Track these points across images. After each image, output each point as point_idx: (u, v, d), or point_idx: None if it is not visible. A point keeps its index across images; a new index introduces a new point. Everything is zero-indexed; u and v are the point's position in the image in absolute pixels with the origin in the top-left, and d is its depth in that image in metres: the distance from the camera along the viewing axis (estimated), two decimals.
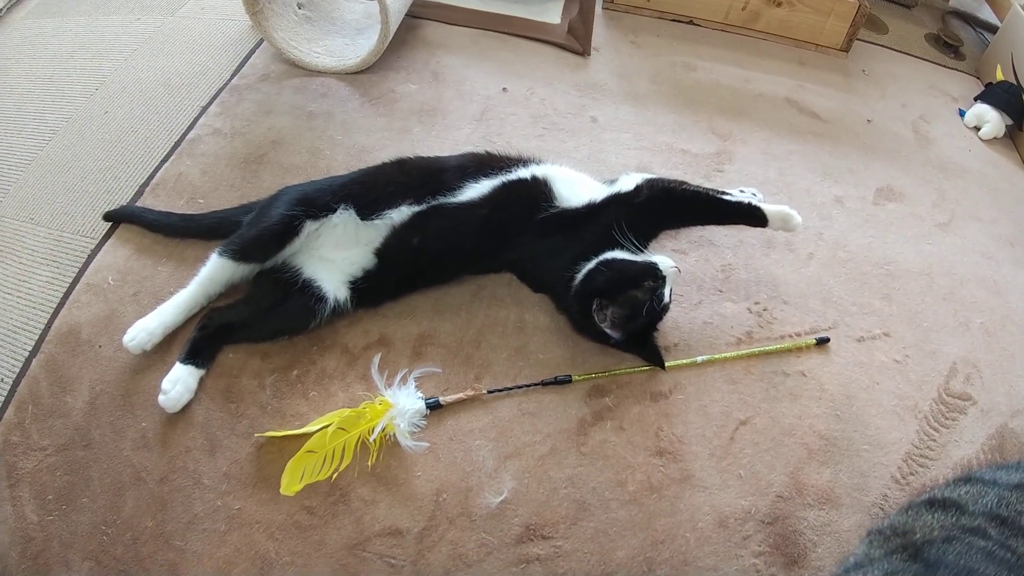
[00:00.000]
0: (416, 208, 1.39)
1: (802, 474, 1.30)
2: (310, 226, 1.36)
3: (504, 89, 2.01)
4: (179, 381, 1.26)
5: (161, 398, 1.25)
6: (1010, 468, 0.92)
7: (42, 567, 1.13)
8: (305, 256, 1.38)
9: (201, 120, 1.79)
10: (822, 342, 1.50)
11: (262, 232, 1.34)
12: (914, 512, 0.85)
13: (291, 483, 1.19)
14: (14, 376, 1.33)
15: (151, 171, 1.67)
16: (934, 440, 1.40)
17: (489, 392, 1.33)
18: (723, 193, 1.53)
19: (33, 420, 1.27)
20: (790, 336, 1.51)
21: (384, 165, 1.47)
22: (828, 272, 1.66)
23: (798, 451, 1.33)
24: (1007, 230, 1.91)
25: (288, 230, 1.34)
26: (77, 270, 1.48)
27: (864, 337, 1.55)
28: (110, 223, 1.55)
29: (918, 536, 0.79)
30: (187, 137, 1.74)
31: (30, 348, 1.36)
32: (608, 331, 1.33)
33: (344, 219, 1.38)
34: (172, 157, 1.69)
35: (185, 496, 1.20)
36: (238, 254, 1.34)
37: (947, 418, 1.44)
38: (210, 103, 1.84)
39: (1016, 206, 2.00)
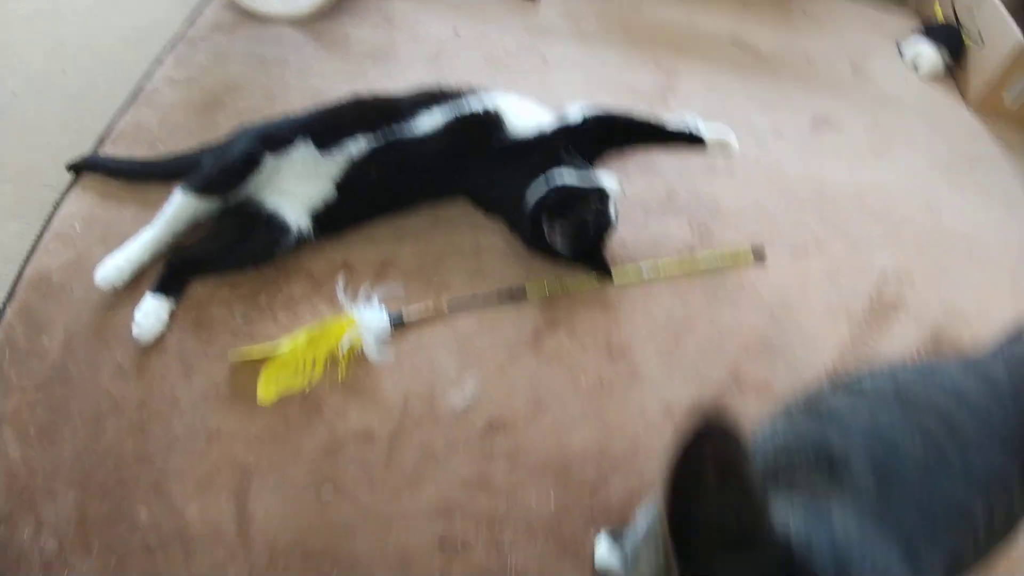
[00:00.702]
0: (373, 141, 1.45)
1: (741, 369, 1.42)
2: (270, 160, 1.41)
3: (456, 32, 2.06)
4: (151, 313, 1.32)
5: (134, 330, 1.31)
6: (909, 365, 1.02)
7: (27, 501, 1.18)
8: (267, 190, 1.44)
9: (158, 72, 1.82)
10: (759, 255, 1.61)
11: (224, 166, 1.40)
12: (819, 392, 0.96)
13: (266, 391, 1.27)
14: None
15: (110, 122, 1.70)
16: (865, 341, 1.52)
17: (449, 308, 1.42)
18: (665, 120, 1.62)
19: (11, 364, 1.31)
20: (730, 256, 1.60)
21: (341, 101, 1.53)
22: (766, 194, 1.77)
23: (737, 350, 1.44)
24: (941, 157, 2.03)
25: (249, 163, 1.39)
26: (44, 221, 1.51)
27: (798, 250, 1.66)
28: (74, 173, 1.58)
29: (824, 407, 0.90)
30: (144, 88, 1.77)
31: (3, 298, 1.40)
32: (558, 247, 1.42)
33: (303, 153, 1.43)
34: (131, 108, 1.72)
35: (164, 419, 1.26)
36: (201, 189, 1.39)
37: (879, 321, 1.56)
38: (166, 55, 1.87)
39: (950, 135, 2.13)
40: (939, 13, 2.45)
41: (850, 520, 0.63)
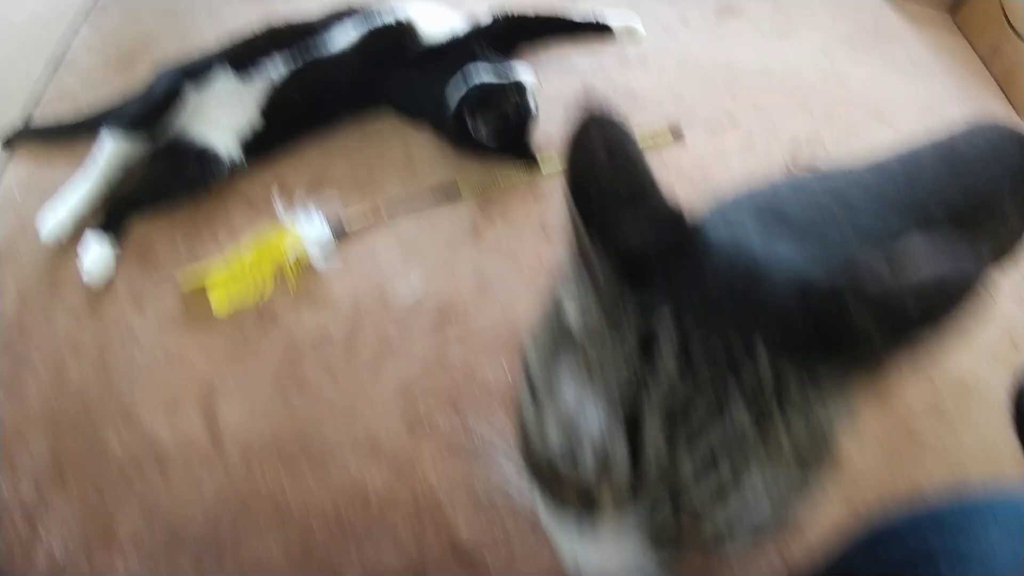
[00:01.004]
0: (291, 63, 1.48)
1: None
2: (192, 92, 1.43)
3: None
4: (97, 256, 1.34)
5: (84, 275, 1.34)
6: None
7: (3, 458, 1.20)
8: (194, 126, 1.46)
9: (75, 42, 1.82)
10: (677, 136, 1.68)
11: (147, 102, 1.42)
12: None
13: (220, 305, 1.30)
14: None
15: (37, 96, 1.70)
16: None
17: (388, 214, 1.46)
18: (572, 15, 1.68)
19: None
20: (649, 135, 1.68)
21: (256, 31, 1.55)
22: (678, 81, 1.83)
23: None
24: (847, 33, 2.10)
25: (171, 96, 1.41)
26: None
27: (715, 128, 1.73)
28: (8, 148, 1.58)
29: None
30: (65, 58, 1.77)
31: None
32: (484, 140, 1.47)
33: (223, 82, 1.46)
34: (53, 79, 1.72)
35: (125, 353, 1.29)
36: (127, 127, 1.41)
37: None
38: (80, 24, 1.87)
39: (855, 12, 2.20)
40: None
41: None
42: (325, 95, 1.51)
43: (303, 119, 1.53)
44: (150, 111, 1.41)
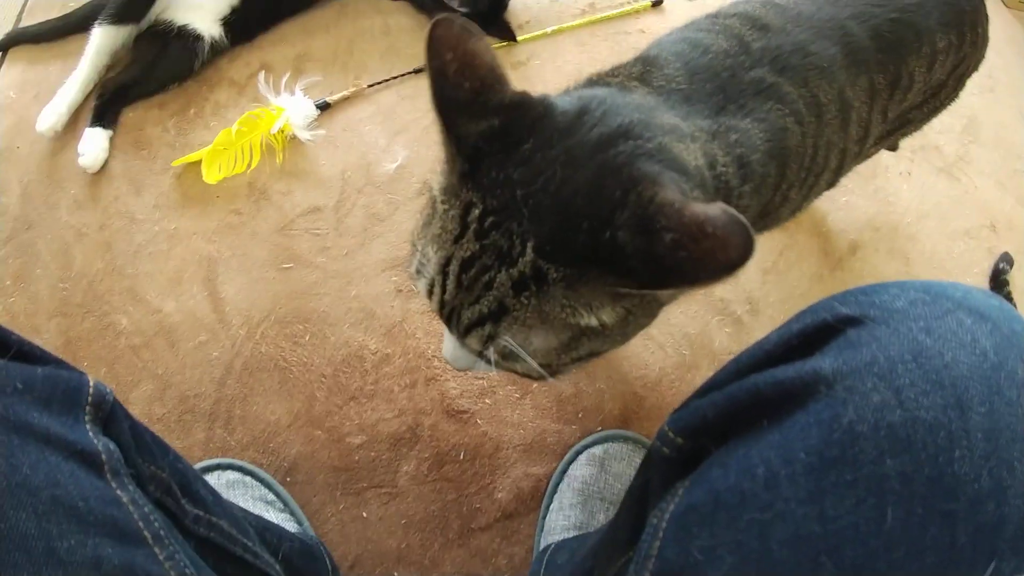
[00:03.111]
0: None
1: None
2: None
3: None
4: (92, 143, 1.33)
5: (80, 160, 1.32)
6: None
7: None
8: (175, 8, 1.41)
9: None
10: (657, 3, 1.58)
11: None
12: None
13: (210, 173, 1.29)
14: None
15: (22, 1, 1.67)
16: None
17: (369, 86, 1.42)
18: None
19: None
20: (628, 2, 1.59)
21: None
22: None
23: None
24: None
25: None
26: None
27: None
28: (2, 53, 1.55)
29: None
30: None
31: None
32: (459, 9, 1.40)
33: None
34: None
35: (125, 234, 1.29)
36: (115, 17, 1.37)
37: None
38: None
39: None
40: None
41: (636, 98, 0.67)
42: None
43: None
44: (134, 1, 1.37)
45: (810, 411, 0.44)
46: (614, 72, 0.73)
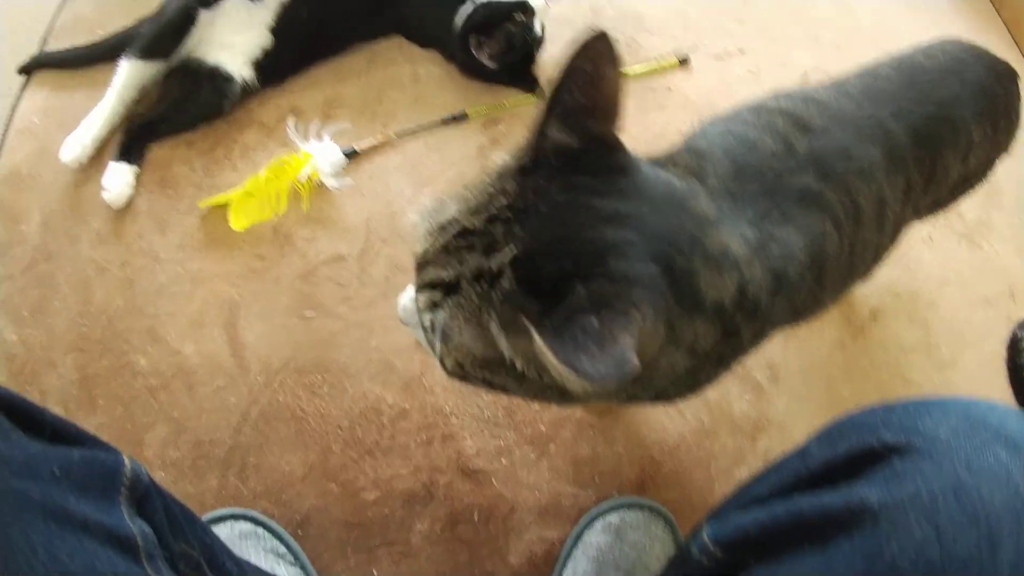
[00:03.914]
0: None
1: None
2: (205, 15, 1.41)
3: None
4: (118, 178, 1.35)
5: (105, 195, 1.34)
6: None
7: (29, 376, 1.23)
8: (206, 46, 1.44)
9: None
10: (684, 62, 1.62)
11: (162, 27, 1.40)
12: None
13: (238, 220, 1.31)
14: None
15: (48, 21, 1.69)
16: None
17: (397, 136, 1.45)
18: None
19: None
20: (655, 59, 1.62)
21: None
22: (686, 3, 1.76)
23: (667, 148, 1.48)
24: None
25: (185, 20, 1.39)
26: (4, 125, 1.50)
27: (722, 55, 1.67)
28: (26, 75, 1.57)
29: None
30: None
31: None
32: (488, 64, 1.44)
33: (235, 3, 1.43)
34: (65, 4, 1.70)
35: (148, 272, 1.31)
36: (144, 52, 1.40)
37: None
38: None
39: None
40: None
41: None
42: (334, 14, 1.48)
43: (313, 40, 1.50)
44: (165, 37, 1.40)
45: (855, 541, 0.47)
46: (673, 160, 0.76)
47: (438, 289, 0.63)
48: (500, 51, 1.42)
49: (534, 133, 0.62)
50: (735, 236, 0.67)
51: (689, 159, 0.76)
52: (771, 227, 0.71)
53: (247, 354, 1.24)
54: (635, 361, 0.50)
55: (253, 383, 1.22)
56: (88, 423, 1.19)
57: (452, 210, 0.64)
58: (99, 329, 1.27)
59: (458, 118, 1.48)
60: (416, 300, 0.67)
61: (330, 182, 1.36)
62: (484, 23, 1.42)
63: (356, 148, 1.41)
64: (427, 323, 0.65)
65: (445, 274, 0.62)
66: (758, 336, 0.76)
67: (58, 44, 1.61)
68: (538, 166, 0.62)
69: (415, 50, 1.59)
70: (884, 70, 0.94)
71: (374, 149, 1.44)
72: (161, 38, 1.40)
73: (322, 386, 1.22)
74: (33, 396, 1.20)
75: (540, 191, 0.61)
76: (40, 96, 1.54)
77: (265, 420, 1.19)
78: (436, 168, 1.43)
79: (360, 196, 1.38)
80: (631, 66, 1.59)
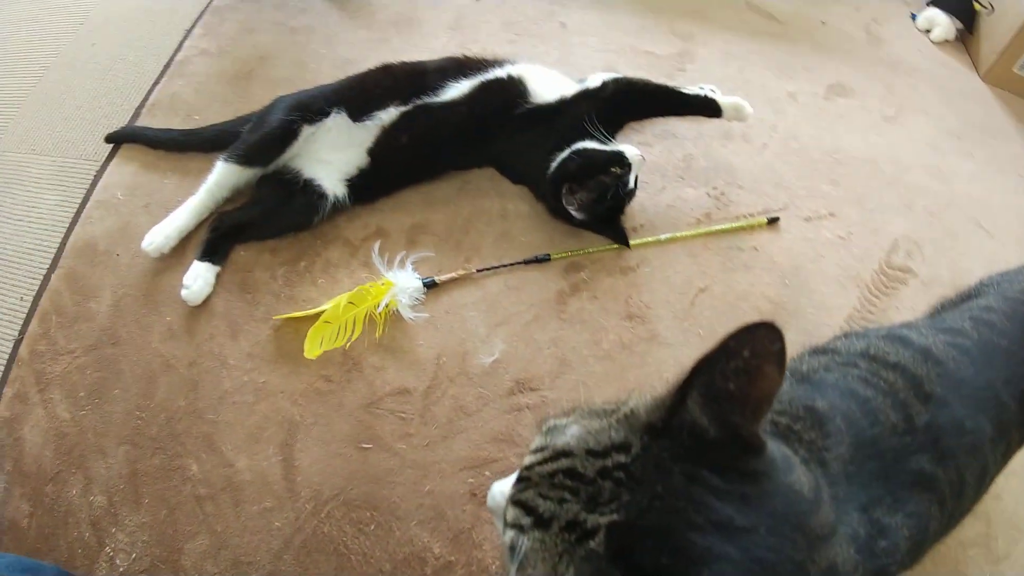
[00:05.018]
0: (403, 108, 1.52)
1: None
2: (307, 130, 1.48)
3: None
4: (199, 276, 1.40)
5: (183, 292, 1.39)
6: (881, 328, 1.06)
7: (77, 459, 1.26)
8: (304, 159, 1.51)
9: (187, 42, 1.87)
10: (773, 221, 1.67)
11: (263, 137, 1.47)
12: (798, 357, 1.00)
13: (312, 348, 1.36)
14: (34, 293, 1.44)
15: (145, 93, 1.76)
16: (875, 306, 1.58)
17: (478, 271, 1.50)
18: (682, 88, 1.68)
19: (58, 328, 1.39)
20: (744, 216, 1.68)
21: (371, 71, 1.59)
22: (780, 160, 1.82)
23: (751, 313, 1.51)
24: (953, 124, 2.06)
25: (287, 134, 1.46)
26: (85, 190, 1.58)
27: (812, 217, 1.72)
28: (112, 144, 1.64)
29: (803, 368, 0.96)
30: (175, 59, 1.83)
31: (47, 266, 1.48)
32: (577, 213, 1.49)
33: (337, 122, 1.50)
34: (163, 79, 1.78)
35: (214, 376, 1.35)
36: (242, 159, 1.46)
37: (888, 287, 1.62)
38: (193, 25, 1.92)
39: (963, 103, 2.16)
40: None
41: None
42: (432, 142, 1.55)
43: (408, 164, 1.57)
44: (265, 149, 1.47)
45: None
46: (790, 429, 0.77)
47: (530, 516, 0.64)
48: (591, 202, 1.48)
49: (672, 397, 0.61)
50: (843, 546, 0.68)
51: (811, 428, 0.77)
52: (881, 516, 0.73)
53: (299, 478, 1.27)
54: None
55: (301, 510, 1.24)
56: (131, 520, 1.22)
57: (571, 438, 0.64)
58: (156, 426, 1.31)
59: (541, 260, 1.53)
60: (506, 509, 0.68)
61: (407, 314, 1.41)
62: (578, 172, 1.47)
63: (436, 279, 1.46)
64: (508, 539, 0.66)
65: (542, 507, 0.63)
66: None
67: (151, 120, 1.70)
68: (667, 431, 0.62)
69: (506, 184, 1.65)
70: (998, 318, 0.97)
71: (453, 282, 1.49)
72: (261, 148, 1.47)
73: (370, 524, 1.24)
74: (78, 481, 1.25)
75: (661, 467, 0.61)
76: (127, 171, 1.61)
77: (307, 551, 1.21)
78: (513, 309, 1.47)
79: (434, 329, 1.43)
80: (719, 222, 1.64)
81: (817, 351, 0.96)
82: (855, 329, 1.10)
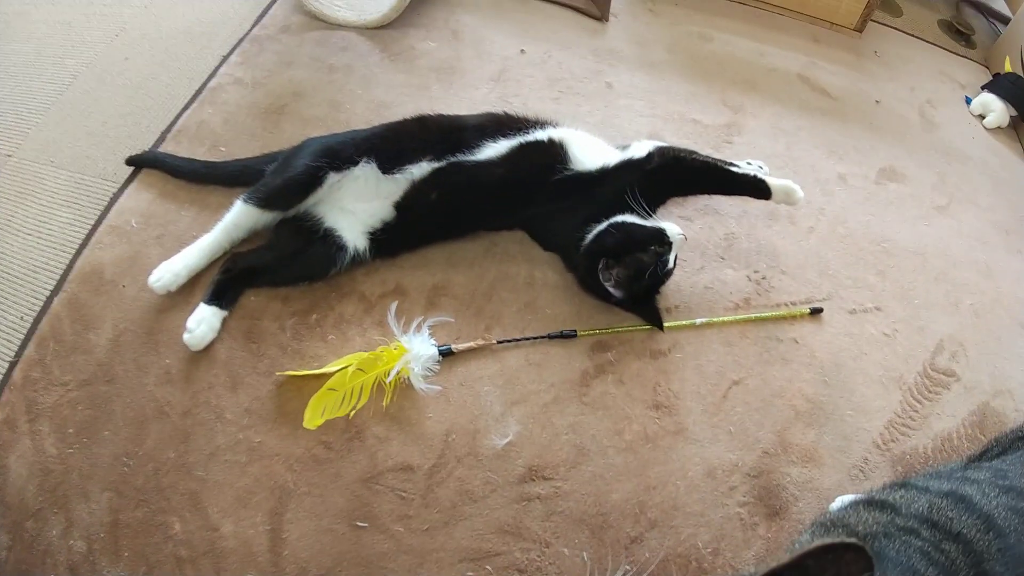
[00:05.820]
0: (436, 164, 1.46)
1: (788, 433, 1.41)
2: (333, 177, 1.43)
3: (522, 51, 2.07)
4: (203, 321, 1.34)
5: (186, 336, 1.33)
6: (941, 476, 1.00)
7: (60, 499, 1.21)
8: (326, 206, 1.46)
9: (222, 69, 1.85)
10: (816, 312, 1.60)
11: (287, 181, 1.42)
12: (852, 509, 0.94)
13: (313, 417, 1.29)
14: (35, 314, 1.39)
15: (172, 118, 1.72)
16: (916, 411, 1.50)
17: (498, 342, 1.43)
18: (730, 164, 1.61)
19: (54, 356, 1.34)
20: (786, 304, 1.60)
21: (406, 121, 1.54)
22: (826, 246, 1.75)
23: (786, 412, 1.44)
24: (1004, 217, 2.00)
25: (312, 180, 1.41)
26: (99, 212, 1.54)
27: (856, 310, 1.64)
28: (132, 168, 1.60)
29: (860, 529, 0.89)
30: (208, 85, 1.80)
31: (51, 287, 1.43)
32: (612, 290, 1.42)
33: (366, 172, 1.45)
34: (193, 105, 1.75)
35: (207, 429, 1.29)
36: (263, 202, 1.42)
37: (931, 391, 1.54)
38: (231, 52, 1.89)
39: (1015, 195, 2.09)
40: (1008, 65, 2.42)
41: None
42: (463, 200, 1.49)
43: (436, 221, 1.51)
44: (287, 193, 1.42)
45: None
46: None
47: None
48: (627, 279, 1.41)
49: None
50: None
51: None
52: None
53: (286, 552, 1.19)
54: None
55: None
56: (109, 572, 1.16)
57: None
58: (142, 476, 1.24)
59: (566, 335, 1.46)
60: None
61: (418, 384, 1.34)
62: (616, 247, 1.41)
63: (453, 348, 1.39)
64: None
65: None
66: None
67: (176, 146, 1.66)
68: None
69: (535, 250, 1.59)
70: None
71: (471, 352, 1.42)
72: (283, 192, 1.43)
73: None
74: (59, 522, 1.19)
75: None
76: (144, 198, 1.57)
77: None
78: (532, 387, 1.40)
79: (446, 402, 1.35)
80: (759, 309, 1.57)
81: (873, 504, 0.88)
82: (913, 479, 1.03)
